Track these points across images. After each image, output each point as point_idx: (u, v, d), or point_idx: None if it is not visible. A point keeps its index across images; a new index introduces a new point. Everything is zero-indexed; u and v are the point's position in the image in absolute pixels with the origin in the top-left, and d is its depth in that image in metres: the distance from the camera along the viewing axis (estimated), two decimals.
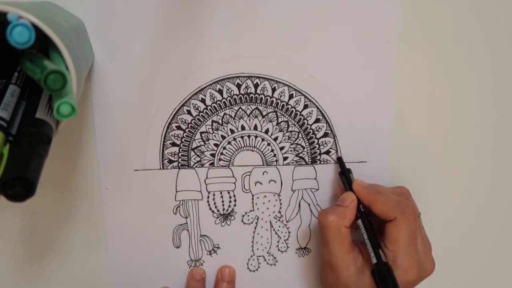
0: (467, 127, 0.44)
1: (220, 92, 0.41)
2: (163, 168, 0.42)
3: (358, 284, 0.38)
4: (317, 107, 0.42)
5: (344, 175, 0.42)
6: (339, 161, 0.43)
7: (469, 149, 0.45)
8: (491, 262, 0.48)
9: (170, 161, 0.42)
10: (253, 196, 0.44)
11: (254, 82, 0.41)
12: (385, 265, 0.37)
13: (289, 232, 0.46)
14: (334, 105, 0.42)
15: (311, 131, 0.43)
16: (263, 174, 0.44)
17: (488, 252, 0.48)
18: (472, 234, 0.47)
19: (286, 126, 0.43)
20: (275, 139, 0.43)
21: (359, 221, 0.39)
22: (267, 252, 0.46)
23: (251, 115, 0.42)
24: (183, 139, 0.42)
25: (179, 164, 0.43)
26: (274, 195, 0.44)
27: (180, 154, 0.42)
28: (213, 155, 0.43)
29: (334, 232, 0.39)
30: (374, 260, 0.37)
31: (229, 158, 0.43)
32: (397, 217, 0.37)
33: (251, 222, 0.45)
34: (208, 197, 0.44)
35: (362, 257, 0.39)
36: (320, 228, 0.40)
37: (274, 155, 0.43)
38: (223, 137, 0.42)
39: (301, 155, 0.43)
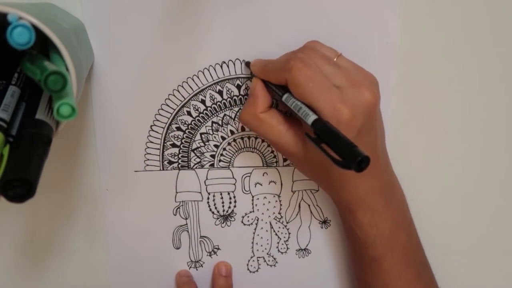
0: (467, 128, 0.44)
1: (220, 93, 0.41)
2: (163, 169, 0.42)
3: (311, 153, 0.36)
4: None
5: (248, 67, 0.40)
6: (247, 65, 0.40)
7: (469, 149, 0.45)
8: (490, 259, 0.48)
9: (170, 162, 0.42)
10: (253, 197, 0.44)
11: None
12: (319, 119, 0.32)
13: (289, 233, 0.46)
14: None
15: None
16: (263, 175, 0.44)
17: (487, 250, 0.48)
18: (472, 234, 0.47)
19: None
20: None
21: (283, 97, 0.36)
22: (267, 253, 0.46)
23: None
24: (183, 140, 0.42)
25: (179, 165, 0.43)
26: (274, 196, 0.44)
27: (180, 155, 0.42)
28: (213, 156, 0.43)
29: (254, 123, 0.38)
30: (309, 122, 0.33)
31: (229, 159, 0.43)
32: (287, 77, 0.34)
33: (251, 223, 0.45)
34: (208, 198, 0.44)
35: (302, 127, 0.37)
36: (247, 127, 0.39)
37: (274, 156, 0.43)
38: (223, 138, 0.42)
39: None
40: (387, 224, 0.39)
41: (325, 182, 0.39)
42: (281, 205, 0.45)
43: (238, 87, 0.41)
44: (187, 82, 0.40)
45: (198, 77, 0.40)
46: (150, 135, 0.41)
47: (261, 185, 0.44)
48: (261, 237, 0.45)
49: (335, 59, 0.37)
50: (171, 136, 0.42)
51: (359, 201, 0.38)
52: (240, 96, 0.41)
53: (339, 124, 0.32)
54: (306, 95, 0.33)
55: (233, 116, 0.42)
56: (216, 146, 0.43)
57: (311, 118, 0.32)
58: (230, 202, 0.44)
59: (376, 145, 0.37)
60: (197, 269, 0.46)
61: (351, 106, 0.33)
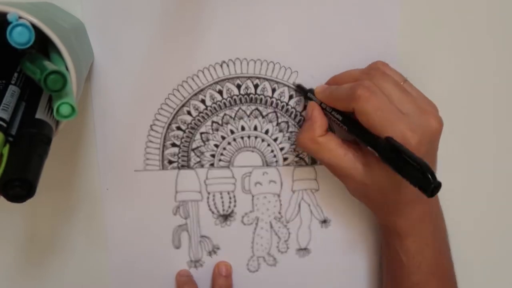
0: (467, 127, 0.44)
1: (220, 92, 0.41)
2: (163, 169, 0.42)
3: (371, 177, 0.37)
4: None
5: (304, 93, 0.41)
6: (299, 87, 0.41)
7: (470, 150, 0.45)
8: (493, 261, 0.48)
9: (170, 162, 0.42)
10: (253, 196, 0.44)
11: (254, 83, 0.41)
12: (387, 141, 0.33)
13: (289, 233, 0.46)
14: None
15: None
16: (263, 174, 0.44)
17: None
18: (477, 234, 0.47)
19: (286, 126, 0.43)
20: (275, 139, 0.43)
21: (346, 126, 0.37)
22: (267, 253, 0.46)
23: (251, 116, 0.42)
24: (183, 140, 0.42)
25: (179, 165, 0.43)
26: (274, 195, 0.44)
27: (180, 155, 0.42)
28: (213, 155, 0.43)
29: (312, 147, 0.38)
30: (378, 148, 0.34)
31: (229, 159, 0.43)
32: (354, 107, 0.35)
33: (251, 223, 0.45)
34: (208, 198, 0.44)
35: (363, 151, 0.37)
36: (304, 151, 0.39)
37: (274, 156, 0.43)
38: (223, 138, 0.42)
39: (301, 155, 0.43)
40: (433, 252, 0.39)
41: (380, 207, 0.40)
42: (281, 204, 0.45)
43: (238, 86, 0.41)
44: (187, 82, 0.40)
45: (198, 76, 0.40)
46: (150, 135, 0.41)
47: (261, 184, 0.44)
48: (261, 237, 0.45)
49: (402, 84, 0.37)
50: (171, 135, 0.42)
51: (411, 227, 0.38)
52: (239, 96, 0.41)
53: None
54: (375, 125, 0.34)
55: (233, 116, 0.42)
56: (216, 146, 0.43)
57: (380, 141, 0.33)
58: (230, 202, 0.44)
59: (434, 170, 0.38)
60: (197, 269, 0.46)
61: (419, 133, 0.34)
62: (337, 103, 0.37)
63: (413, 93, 0.37)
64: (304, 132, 0.39)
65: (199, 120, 0.42)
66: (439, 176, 0.30)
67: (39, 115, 0.27)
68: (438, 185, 0.29)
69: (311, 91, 0.40)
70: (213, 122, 0.42)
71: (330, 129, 0.40)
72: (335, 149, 0.38)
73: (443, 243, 0.41)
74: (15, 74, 0.30)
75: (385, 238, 0.42)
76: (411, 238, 0.38)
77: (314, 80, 0.41)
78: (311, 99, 0.40)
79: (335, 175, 0.39)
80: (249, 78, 0.41)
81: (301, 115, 0.42)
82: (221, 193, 0.44)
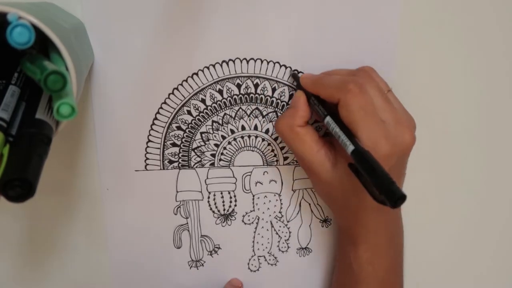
0: (467, 127, 0.44)
1: (220, 92, 0.41)
2: (164, 169, 0.42)
3: (337, 177, 0.36)
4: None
5: (296, 80, 0.40)
6: (294, 76, 0.41)
7: (470, 150, 0.45)
8: (494, 267, 0.48)
9: (171, 162, 0.42)
10: (253, 196, 0.44)
11: (254, 82, 0.41)
12: (360, 149, 0.32)
13: (289, 232, 0.46)
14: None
15: None
16: (263, 174, 0.44)
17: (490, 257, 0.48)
18: (473, 236, 0.47)
19: None
20: (276, 139, 0.43)
21: (326, 119, 0.36)
22: (268, 252, 0.46)
23: (251, 115, 0.42)
24: (183, 140, 0.42)
25: (180, 165, 0.43)
26: (274, 195, 0.44)
27: (180, 155, 0.42)
28: (213, 155, 0.43)
29: (289, 134, 0.37)
30: (349, 149, 0.33)
31: (229, 158, 0.43)
32: (341, 98, 0.34)
33: (252, 222, 0.45)
34: (208, 198, 0.44)
35: (335, 151, 0.37)
36: (280, 137, 0.39)
37: (275, 155, 0.43)
38: (224, 137, 0.42)
39: None
40: (384, 265, 0.39)
41: (340, 209, 0.40)
42: (281, 204, 0.45)
43: (238, 86, 0.41)
44: (187, 81, 0.40)
45: (198, 76, 0.40)
46: (150, 135, 0.41)
47: (261, 184, 0.44)
48: (262, 236, 0.45)
49: (386, 92, 0.37)
50: (172, 135, 0.42)
51: (365, 235, 0.38)
52: (240, 95, 0.41)
53: (376, 158, 0.32)
54: (353, 121, 0.34)
55: (233, 115, 0.42)
56: (217, 145, 0.43)
57: (350, 147, 0.33)
58: (231, 201, 0.44)
59: (399, 183, 0.38)
60: (197, 269, 0.46)
61: (392, 143, 0.34)
62: (322, 91, 0.37)
63: (394, 104, 0.37)
64: (284, 118, 0.38)
65: (199, 119, 0.42)
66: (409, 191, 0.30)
67: (39, 115, 0.27)
68: (402, 197, 0.28)
69: (294, 74, 0.40)
70: (213, 121, 0.42)
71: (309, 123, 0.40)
72: (309, 142, 0.37)
73: (395, 257, 0.40)
74: (15, 74, 0.30)
75: (340, 243, 0.42)
76: (364, 246, 0.38)
77: None
78: (301, 88, 0.39)
79: (304, 169, 0.39)
80: (249, 77, 0.41)
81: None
82: (221, 193, 0.44)
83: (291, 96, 0.42)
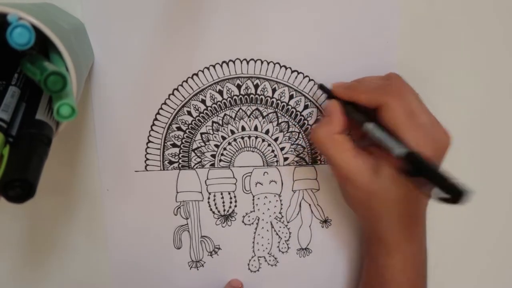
0: (467, 127, 0.44)
1: (221, 93, 0.41)
2: (164, 169, 0.42)
3: (379, 185, 0.36)
4: (318, 108, 0.42)
5: (325, 91, 0.40)
6: (322, 87, 0.41)
7: (470, 150, 0.45)
8: (493, 264, 0.48)
9: (171, 162, 0.42)
10: (253, 196, 0.44)
11: (254, 83, 0.41)
12: (412, 152, 0.33)
13: (289, 233, 0.46)
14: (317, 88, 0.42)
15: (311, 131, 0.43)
16: (263, 174, 0.44)
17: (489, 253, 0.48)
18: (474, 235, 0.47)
19: (287, 126, 0.42)
20: (276, 139, 0.43)
21: (364, 127, 0.36)
22: (268, 253, 0.46)
23: (251, 116, 0.42)
24: (183, 140, 0.42)
25: (180, 165, 0.43)
26: (274, 195, 0.44)
27: (180, 155, 0.42)
28: (213, 156, 0.43)
29: (327, 142, 0.37)
30: (399, 152, 0.33)
31: (229, 159, 0.43)
32: (383, 102, 0.35)
33: (252, 223, 0.45)
34: (208, 198, 0.44)
35: (375, 158, 0.37)
36: (316, 146, 0.38)
37: (275, 156, 0.43)
38: (224, 138, 0.42)
39: (301, 155, 0.43)
40: (415, 273, 0.39)
41: (375, 219, 0.39)
42: (281, 204, 0.45)
43: (238, 86, 0.41)
44: (187, 82, 0.40)
45: (198, 76, 0.40)
46: (150, 135, 0.41)
47: (261, 184, 0.44)
48: (262, 237, 0.45)
49: None
50: (172, 136, 0.42)
51: (401, 244, 0.38)
52: (240, 96, 0.41)
53: None
54: (397, 125, 0.35)
55: (233, 116, 0.42)
56: (217, 146, 0.43)
57: (402, 150, 0.33)
58: (231, 202, 0.44)
59: None
60: (197, 269, 0.46)
61: (433, 145, 0.35)
62: (361, 96, 0.37)
63: (425, 107, 0.37)
64: (322, 126, 0.38)
65: (199, 120, 0.42)
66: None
67: (39, 116, 0.27)
68: (467, 192, 0.28)
69: (321, 86, 0.40)
70: (213, 122, 0.42)
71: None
72: (347, 150, 0.37)
73: (424, 264, 0.40)
74: (15, 75, 0.30)
75: (370, 251, 0.41)
76: (398, 255, 0.38)
77: (314, 80, 0.41)
78: (333, 98, 0.39)
79: (338, 177, 0.38)
80: (249, 78, 0.41)
81: (301, 115, 0.42)
82: (221, 193, 0.44)
83: (296, 101, 0.42)
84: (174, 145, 0.42)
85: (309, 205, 0.45)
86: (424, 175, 0.31)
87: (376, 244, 0.40)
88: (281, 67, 0.41)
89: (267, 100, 0.42)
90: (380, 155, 0.36)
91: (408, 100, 0.35)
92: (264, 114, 0.42)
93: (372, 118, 0.36)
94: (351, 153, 0.37)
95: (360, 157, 0.37)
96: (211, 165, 0.43)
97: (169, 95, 0.41)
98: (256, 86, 0.41)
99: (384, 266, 0.39)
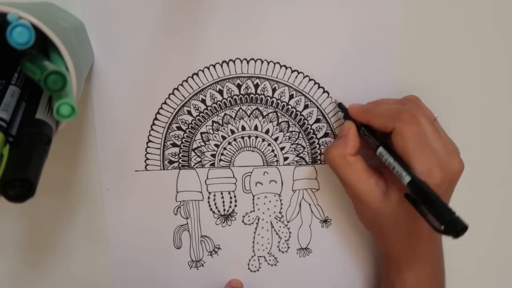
0: (468, 127, 0.44)
1: (221, 92, 0.41)
2: (164, 169, 0.42)
3: (388, 206, 0.37)
4: (318, 108, 0.42)
5: (342, 110, 0.41)
6: (340, 106, 0.42)
7: (470, 150, 0.45)
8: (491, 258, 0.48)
9: (171, 162, 0.42)
10: (253, 196, 0.44)
11: (255, 83, 0.41)
12: (417, 181, 0.33)
13: (289, 233, 0.46)
14: (334, 105, 0.42)
15: (311, 131, 0.43)
16: (263, 174, 0.44)
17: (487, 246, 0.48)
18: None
19: (287, 126, 0.42)
20: (276, 139, 0.43)
21: (378, 151, 0.37)
22: (268, 253, 0.46)
23: (251, 116, 0.42)
24: (183, 140, 0.42)
25: (180, 165, 0.43)
26: (274, 195, 0.44)
27: (180, 155, 0.42)
28: (213, 155, 0.43)
29: (340, 164, 0.38)
30: (406, 180, 0.34)
31: (229, 159, 0.43)
32: (395, 126, 0.36)
33: (252, 223, 0.45)
34: (208, 198, 0.44)
35: (385, 180, 0.38)
36: (329, 165, 0.39)
37: (275, 156, 0.43)
38: (224, 138, 0.42)
39: (301, 155, 0.43)
40: None
41: (386, 237, 0.40)
42: (281, 204, 0.45)
43: (239, 86, 0.41)
44: (187, 82, 0.40)
45: (198, 76, 0.40)
46: (150, 135, 0.41)
47: (261, 184, 0.44)
48: (262, 237, 0.45)
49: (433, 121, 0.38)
50: (172, 135, 0.42)
51: (411, 263, 0.39)
52: (240, 96, 0.41)
53: (430, 186, 0.33)
54: (408, 150, 0.35)
55: (233, 116, 0.42)
56: (217, 146, 0.43)
57: (407, 178, 0.34)
58: (231, 202, 0.44)
59: None
60: (197, 269, 0.46)
61: (444, 171, 0.35)
62: (375, 119, 0.38)
63: (441, 132, 0.38)
64: (336, 147, 0.39)
65: (199, 120, 0.42)
66: None
67: (39, 115, 0.27)
68: (464, 227, 0.29)
69: (340, 104, 0.41)
70: (213, 122, 0.42)
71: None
72: (361, 171, 0.38)
73: (439, 282, 0.41)
74: (15, 74, 0.30)
75: (384, 269, 0.43)
76: (409, 273, 0.39)
77: (314, 80, 0.41)
78: (349, 118, 0.40)
79: (352, 197, 0.39)
80: (249, 77, 0.41)
81: (301, 115, 0.42)
82: (221, 193, 0.44)
83: (296, 101, 0.42)
84: (174, 145, 0.42)
85: (309, 204, 0.45)
86: (425, 204, 0.32)
87: (387, 260, 0.41)
88: (281, 66, 0.41)
89: (267, 99, 0.42)
90: (391, 177, 0.37)
91: (422, 125, 0.36)
92: (264, 113, 0.42)
93: (387, 141, 0.37)
94: (363, 175, 0.38)
95: (373, 179, 0.38)
96: (211, 164, 0.43)
97: (169, 94, 0.41)
98: (256, 86, 0.41)
99: (395, 282, 0.40)
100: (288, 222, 0.45)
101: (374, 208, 0.38)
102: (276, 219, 0.45)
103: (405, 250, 0.39)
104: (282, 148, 0.43)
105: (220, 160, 0.43)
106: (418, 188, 0.33)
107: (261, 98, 0.42)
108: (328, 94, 0.42)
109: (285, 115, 0.42)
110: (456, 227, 0.29)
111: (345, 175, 0.38)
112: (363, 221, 0.41)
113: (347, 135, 0.39)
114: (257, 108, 0.42)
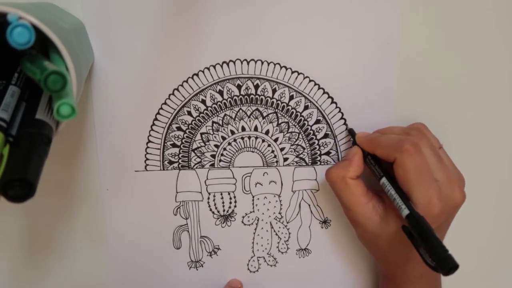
0: (468, 127, 0.44)
1: (221, 93, 0.41)
2: (164, 169, 0.42)
3: (386, 231, 0.37)
4: (318, 108, 0.42)
5: (352, 136, 0.42)
6: (351, 132, 0.42)
7: (470, 150, 0.45)
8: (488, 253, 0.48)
9: (171, 162, 0.42)
10: (253, 197, 0.44)
11: (255, 83, 0.41)
12: (415, 215, 0.34)
13: (289, 233, 0.46)
14: (334, 106, 0.42)
15: (311, 132, 0.43)
16: (263, 175, 0.44)
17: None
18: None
19: (287, 127, 0.42)
20: (276, 140, 0.43)
21: (381, 181, 0.38)
22: (267, 253, 0.46)
23: (251, 116, 0.42)
24: (183, 140, 0.42)
25: (180, 165, 0.43)
26: (274, 196, 0.44)
27: (180, 155, 0.42)
28: (213, 156, 0.43)
29: (340, 185, 0.39)
30: (404, 213, 0.34)
31: (229, 159, 0.43)
32: (396, 157, 0.36)
33: (252, 223, 0.45)
34: (208, 198, 0.44)
35: (384, 205, 0.38)
36: (329, 184, 0.40)
37: (275, 156, 0.43)
38: (224, 138, 0.42)
39: (301, 156, 0.43)
40: None
41: (383, 259, 0.41)
42: (281, 205, 0.45)
43: (239, 87, 0.41)
44: (187, 82, 0.40)
45: (198, 76, 0.40)
46: (150, 135, 0.41)
47: (261, 185, 0.44)
48: (262, 237, 0.45)
49: (438, 149, 0.38)
50: (172, 136, 0.42)
51: (407, 284, 0.39)
52: (240, 96, 0.41)
53: (428, 217, 0.34)
54: (408, 181, 0.35)
55: (233, 116, 0.42)
56: (217, 146, 0.43)
57: (405, 212, 0.34)
58: (231, 202, 0.44)
59: (443, 237, 0.39)
60: (197, 269, 0.46)
61: (443, 203, 0.35)
62: (379, 149, 0.38)
63: (446, 161, 0.38)
64: (337, 168, 0.39)
65: (199, 120, 0.42)
66: None
67: (39, 115, 0.27)
68: (455, 266, 0.30)
69: (351, 131, 0.42)
70: (213, 122, 0.42)
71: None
72: (359, 195, 0.38)
73: None
74: (15, 75, 0.30)
75: (382, 283, 0.43)
76: None
77: (314, 81, 0.41)
78: (356, 144, 0.41)
79: (349, 218, 0.40)
80: (249, 78, 0.41)
81: (301, 115, 0.42)
82: (221, 194, 0.44)
83: (296, 102, 0.42)
84: (174, 145, 0.42)
85: (309, 205, 0.45)
86: (422, 239, 0.32)
87: (384, 280, 0.42)
88: (281, 67, 0.41)
89: (267, 100, 0.42)
90: (391, 204, 0.37)
91: (423, 155, 0.36)
92: (264, 114, 0.42)
93: (390, 170, 0.37)
94: (361, 199, 0.38)
95: (371, 203, 0.38)
96: (211, 165, 0.43)
97: (169, 95, 0.41)
98: (256, 87, 0.41)
99: None
100: (287, 222, 0.45)
101: (371, 232, 0.38)
102: (276, 219, 0.45)
103: (402, 272, 0.39)
104: (282, 149, 0.43)
105: (220, 160, 0.43)
106: (416, 222, 0.33)
107: (261, 99, 0.42)
108: (328, 95, 0.42)
109: (285, 116, 0.42)
110: (447, 266, 0.30)
111: (343, 196, 0.39)
112: (361, 241, 0.41)
113: (351, 159, 0.39)
114: (257, 109, 0.42)
